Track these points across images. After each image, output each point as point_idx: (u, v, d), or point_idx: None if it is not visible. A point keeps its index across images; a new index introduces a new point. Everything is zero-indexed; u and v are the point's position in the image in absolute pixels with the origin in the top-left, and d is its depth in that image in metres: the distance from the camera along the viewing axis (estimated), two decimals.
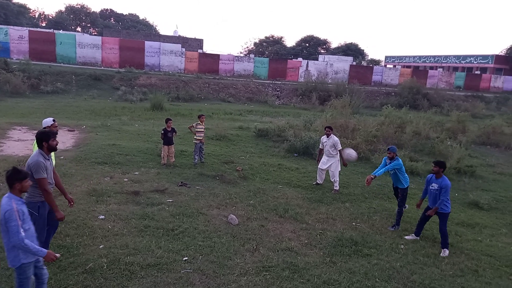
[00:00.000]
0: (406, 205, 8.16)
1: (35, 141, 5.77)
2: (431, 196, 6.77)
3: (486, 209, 9.30)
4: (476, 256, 6.63)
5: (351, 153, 9.20)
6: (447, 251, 6.60)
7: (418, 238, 7.06)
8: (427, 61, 66.36)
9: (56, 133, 4.91)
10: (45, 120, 6.03)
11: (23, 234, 3.57)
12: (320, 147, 9.76)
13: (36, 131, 12.89)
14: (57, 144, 4.83)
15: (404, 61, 70.42)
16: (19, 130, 12.97)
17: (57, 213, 4.76)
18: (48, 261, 3.83)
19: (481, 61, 57.94)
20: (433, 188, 6.72)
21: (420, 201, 7.17)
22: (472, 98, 34.78)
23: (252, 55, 41.70)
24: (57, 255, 3.93)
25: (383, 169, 7.55)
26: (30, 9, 69.10)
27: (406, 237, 7.07)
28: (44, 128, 5.90)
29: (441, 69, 48.72)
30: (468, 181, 11.66)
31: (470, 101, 32.47)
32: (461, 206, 9.44)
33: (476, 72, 52.56)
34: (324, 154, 9.55)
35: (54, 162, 6.08)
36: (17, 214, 3.58)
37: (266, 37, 74.28)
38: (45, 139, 4.66)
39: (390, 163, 7.62)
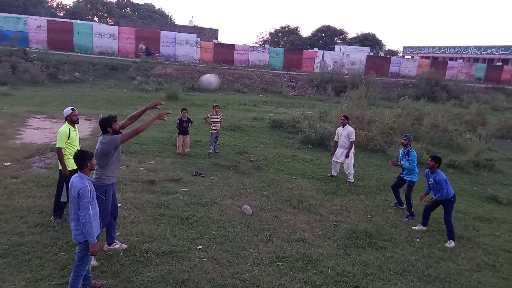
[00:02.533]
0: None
1: (59, 133, 5.89)
2: (434, 190, 6.88)
3: (505, 203, 9.10)
4: (493, 251, 6.51)
5: (209, 78, 7.56)
6: (453, 243, 6.57)
7: (425, 228, 7.07)
8: (446, 52, 64.78)
9: (116, 116, 5.12)
10: (65, 110, 6.11)
11: (91, 211, 3.93)
12: (335, 139, 9.63)
13: (54, 120, 13.14)
14: (120, 127, 5.07)
15: (423, 51, 68.93)
16: (38, 118, 13.23)
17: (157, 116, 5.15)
18: (91, 252, 4.00)
19: (503, 52, 56.22)
20: (431, 182, 6.84)
21: (423, 194, 7.14)
22: (493, 90, 33.85)
23: (267, 46, 41.44)
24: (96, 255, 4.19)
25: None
26: None
27: (414, 227, 7.08)
28: (66, 117, 6.00)
29: (461, 60, 47.53)
30: (487, 175, 11.42)
31: (490, 93, 31.63)
32: (479, 200, 9.26)
33: (497, 64, 51.07)
34: (339, 146, 9.43)
35: (78, 138, 6.21)
36: (89, 191, 3.94)
37: (281, 27, 73.66)
38: (108, 125, 4.93)
39: (403, 150, 7.77)
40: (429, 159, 6.89)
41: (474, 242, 6.77)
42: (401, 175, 7.92)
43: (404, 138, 7.86)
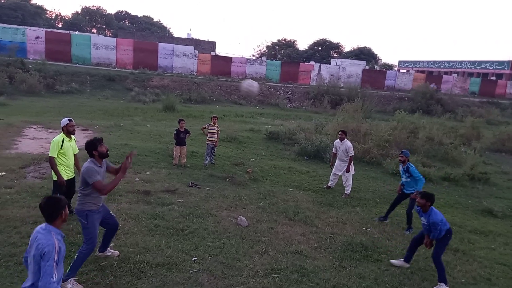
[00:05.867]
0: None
1: (52, 142, 5.91)
2: (425, 230, 5.78)
3: (500, 216, 9.12)
4: (489, 264, 6.51)
5: (250, 85, 6.49)
6: (444, 286, 5.48)
7: (408, 265, 6.01)
8: (441, 66, 65.64)
9: (102, 139, 4.94)
10: (62, 120, 6.15)
11: (54, 279, 3.00)
12: (333, 151, 9.67)
13: (50, 130, 13.12)
14: (107, 150, 4.89)
15: (418, 66, 69.77)
16: (34, 128, 13.21)
17: (124, 166, 4.75)
18: None
19: (496, 67, 57.07)
20: (424, 223, 5.73)
21: (427, 240, 5.76)
22: (487, 104, 34.23)
23: (264, 58, 41.83)
24: None
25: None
26: (47, 10, 70.46)
27: (393, 261, 6.08)
28: (62, 127, 6.02)
29: (455, 75, 48.09)
30: (482, 188, 11.47)
31: (485, 107, 31.97)
32: (475, 213, 9.28)
33: (491, 78, 51.73)
34: (337, 158, 9.46)
35: (74, 149, 6.22)
36: (56, 253, 3.06)
37: (278, 40, 74.44)
38: (93, 148, 4.78)
39: (403, 167, 7.65)
40: (418, 196, 5.70)
41: (469, 255, 6.76)
42: (403, 190, 7.69)
43: (400, 155, 7.69)
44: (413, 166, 7.61)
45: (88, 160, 4.81)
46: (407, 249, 6.08)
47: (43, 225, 3.19)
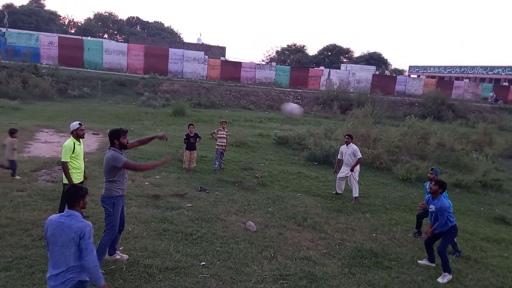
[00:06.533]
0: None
1: (64, 147, 6.00)
2: (434, 218, 6.10)
3: None
4: (501, 273, 6.38)
5: (292, 108, 6.69)
6: (448, 276, 5.82)
7: (434, 264, 6.25)
8: (452, 72, 64.92)
9: (127, 131, 5.10)
10: (72, 124, 6.22)
11: (95, 253, 3.38)
12: (338, 157, 9.63)
13: (62, 134, 13.30)
14: (127, 143, 5.04)
15: (429, 71, 69.15)
16: (46, 132, 13.40)
17: (164, 159, 5.12)
18: None
19: (509, 72, 56.25)
20: (431, 210, 6.12)
21: (429, 227, 6.19)
22: (500, 110, 33.74)
23: (273, 63, 41.94)
24: None
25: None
26: (60, 16, 71.74)
27: (420, 261, 6.37)
28: (72, 131, 6.10)
29: (467, 80, 47.58)
30: (494, 195, 11.28)
31: (497, 113, 31.52)
32: (487, 221, 9.12)
33: (504, 84, 51.01)
34: (343, 163, 9.42)
35: (83, 152, 6.34)
36: (92, 232, 3.39)
37: (288, 46, 74.55)
38: (116, 137, 4.95)
39: (430, 184, 7.35)
40: (432, 183, 6.15)
41: (482, 263, 6.64)
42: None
43: (430, 172, 7.43)
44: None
45: (109, 149, 4.97)
46: (426, 252, 6.35)
47: (63, 213, 3.46)
